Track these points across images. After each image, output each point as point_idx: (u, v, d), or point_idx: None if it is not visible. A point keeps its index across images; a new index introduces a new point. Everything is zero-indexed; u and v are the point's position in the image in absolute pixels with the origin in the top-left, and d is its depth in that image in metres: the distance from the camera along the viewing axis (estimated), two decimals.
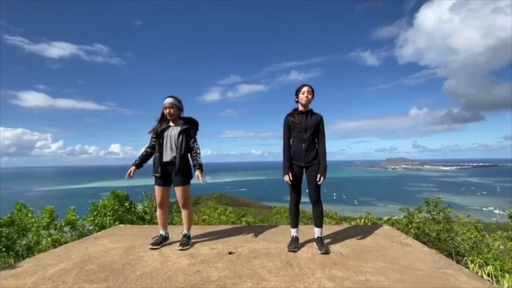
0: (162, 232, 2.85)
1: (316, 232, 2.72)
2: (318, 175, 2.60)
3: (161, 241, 2.78)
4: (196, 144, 2.80)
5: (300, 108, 2.73)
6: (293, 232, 2.76)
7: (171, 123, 2.80)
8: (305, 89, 2.67)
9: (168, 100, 2.70)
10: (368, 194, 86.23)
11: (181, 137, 2.71)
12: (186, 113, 2.93)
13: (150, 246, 2.67)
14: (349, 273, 2.03)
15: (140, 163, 2.79)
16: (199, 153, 2.77)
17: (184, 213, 2.82)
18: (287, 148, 2.73)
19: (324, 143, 2.73)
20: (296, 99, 2.76)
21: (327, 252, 2.51)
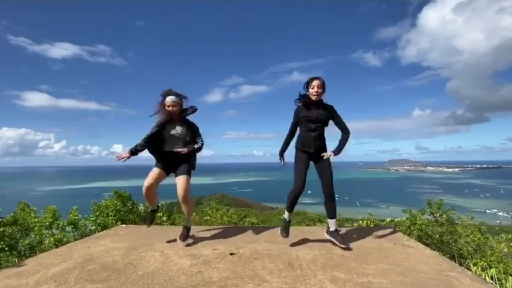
0: (151, 207, 3.01)
1: (332, 225, 2.61)
2: (329, 151, 2.58)
3: (152, 218, 3.05)
4: (201, 141, 2.84)
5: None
6: (287, 216, 2.71)
7: (173, 119, 2.80)
8: (315, 83, 2.53)
9: (171, 98, 2.72)
10: (370, 196, 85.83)
11: (188, 133, 2.78)
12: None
13: (147, 225, 3.01)
14: (351, 275, 2.02)
15: (136, 151, 2.72)
16: (199, 147, 2.80)
17: (184, 207, 2.79)
18: (289, 135, 2.72)
19: (348, 134, 2.68)
20: (306, 92, 2.62)
21: (349, 247, 2.44)
